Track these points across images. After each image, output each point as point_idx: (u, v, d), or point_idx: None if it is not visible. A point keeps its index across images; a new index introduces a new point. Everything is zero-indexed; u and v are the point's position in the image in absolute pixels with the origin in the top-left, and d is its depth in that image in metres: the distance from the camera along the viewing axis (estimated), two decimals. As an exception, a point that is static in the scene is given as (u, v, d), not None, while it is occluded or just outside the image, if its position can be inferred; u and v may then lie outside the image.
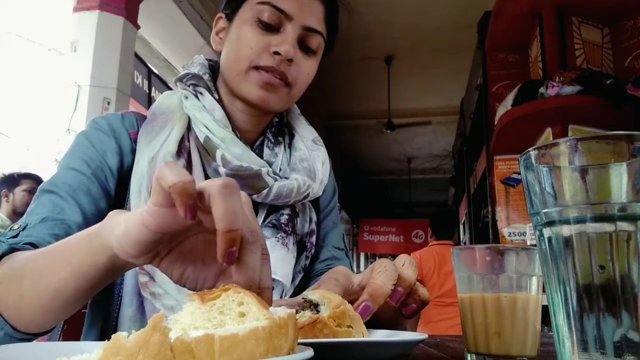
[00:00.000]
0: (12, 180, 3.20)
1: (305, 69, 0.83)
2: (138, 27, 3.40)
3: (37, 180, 3.27)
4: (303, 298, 0.53)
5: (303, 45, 0.82)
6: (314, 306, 0.52)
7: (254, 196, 0.81)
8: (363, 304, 0.56)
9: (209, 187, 0.39)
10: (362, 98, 6.77)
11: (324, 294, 0.52)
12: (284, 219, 0.85)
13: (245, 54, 0.79)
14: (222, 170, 0.79)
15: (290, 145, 0.92)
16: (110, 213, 0.49)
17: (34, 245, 0.63)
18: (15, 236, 0.65)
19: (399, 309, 0.62)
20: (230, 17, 0.85)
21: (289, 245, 0.83)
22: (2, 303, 0.54)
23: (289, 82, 0.81)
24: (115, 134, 0.83)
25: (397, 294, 0.58)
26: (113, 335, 0.27)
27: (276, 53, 0.78)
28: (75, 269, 0.50)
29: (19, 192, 3.17)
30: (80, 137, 0.82)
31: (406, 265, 0.61)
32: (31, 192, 3.22)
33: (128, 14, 3.25)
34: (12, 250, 0.61)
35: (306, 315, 0.51)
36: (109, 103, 3.10)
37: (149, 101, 4.16)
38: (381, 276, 0.58)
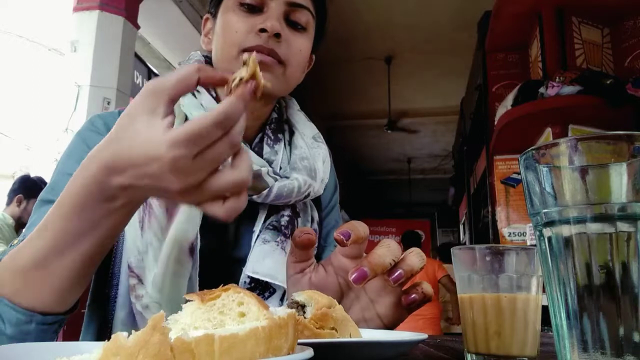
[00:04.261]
0: (34, 188, 2.85)
1: (296, 45, 0.81)
2: (138, 27, 3.41)
3: None
4: (291, 299, 0.53)
5: (290, 21, 0.80)
6: (301, 307, 0.51)
7: (254, 197, 0.80)
8: (360, 268, 0.56)
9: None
10: (362, 98, 6.77)
11: (312, 295, 0.51)
12: (284, 220, 0.84)
13: (232, 39, 0.78)
14: None
15: (290, 143, 0.91)
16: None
17: None
18: None
19: (399, 295, 0.63)
20: (215, 14, 0.85)
21: (286, 249, 0.81)
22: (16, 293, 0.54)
23: (282, 59, 0.78)
24: None
25: (396, 273, 0.58)
26: (113, 335, 0.27)
27: (262, 30, 0.76)
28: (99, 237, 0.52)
29: (33, 205, 2.86)
30: (76, 138, 0.82)
31: (413, 253, 0.62)
32: None
33: (128, 14, 3.25)
34: None
35: None
36: (109, 103, 3.10)
37: (149, 101, 4.16)
38: (382, 249, 0.59)
